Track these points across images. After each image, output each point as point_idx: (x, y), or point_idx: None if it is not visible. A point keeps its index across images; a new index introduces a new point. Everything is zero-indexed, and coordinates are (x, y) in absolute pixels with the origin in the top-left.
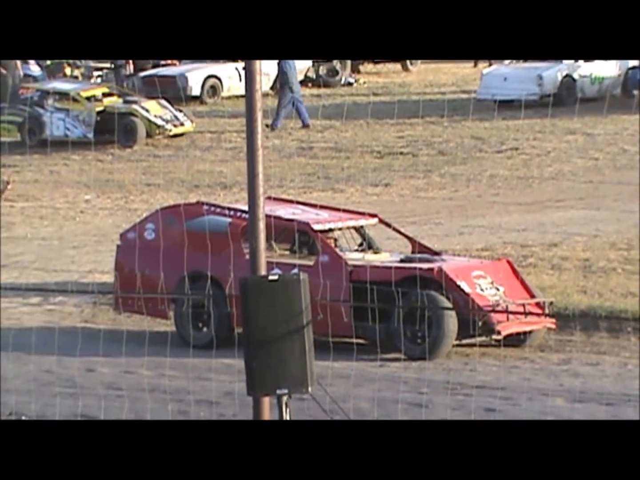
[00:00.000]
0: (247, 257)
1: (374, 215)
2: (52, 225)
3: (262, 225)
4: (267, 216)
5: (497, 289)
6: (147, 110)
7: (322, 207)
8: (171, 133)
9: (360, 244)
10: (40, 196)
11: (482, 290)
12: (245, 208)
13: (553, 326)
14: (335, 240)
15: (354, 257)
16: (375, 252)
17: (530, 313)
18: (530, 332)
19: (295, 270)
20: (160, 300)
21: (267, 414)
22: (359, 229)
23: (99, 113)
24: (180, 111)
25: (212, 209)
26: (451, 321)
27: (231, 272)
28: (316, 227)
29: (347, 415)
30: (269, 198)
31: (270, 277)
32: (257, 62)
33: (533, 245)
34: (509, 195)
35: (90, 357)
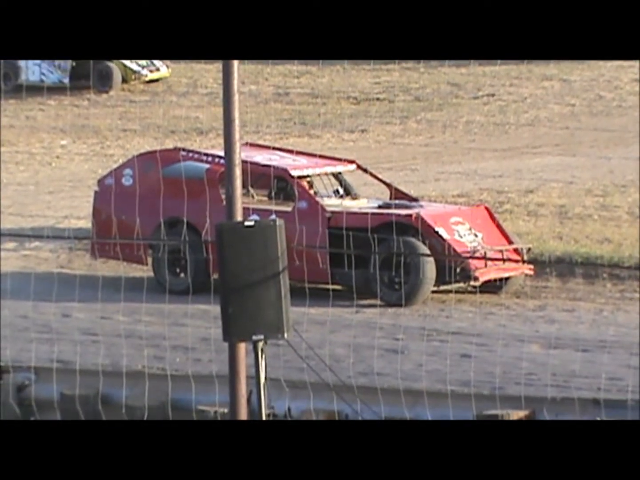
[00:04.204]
0: (225, 203)
1: (351, 162)
2: (28, 171)
3: (238, 171)
4: (245, 162)
5: (476, 235)
6: None
7: (300, 153)
8: (147, 78)
9: (338, 190)
10: (16, 141)
11: (460, 236)
12: (223, 154)
13: (531, 272)
14: (311, 185)
15: (331, 203)
16: (354, 199)
17: (509, 260)
18: (507, 278)
19: (273, 216)
20: (138, 246)
21: (243, 360)
22: (337, 175)
23: None
24: None
25: (190, 154)
26: (429, 268)
27: (208, 218)
28: (294, 172)
29: (323, 361)
30: (247, 144)
31: (247, 223)
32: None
33: (509, 192)
34: (485, 141)
35: (66, 302)
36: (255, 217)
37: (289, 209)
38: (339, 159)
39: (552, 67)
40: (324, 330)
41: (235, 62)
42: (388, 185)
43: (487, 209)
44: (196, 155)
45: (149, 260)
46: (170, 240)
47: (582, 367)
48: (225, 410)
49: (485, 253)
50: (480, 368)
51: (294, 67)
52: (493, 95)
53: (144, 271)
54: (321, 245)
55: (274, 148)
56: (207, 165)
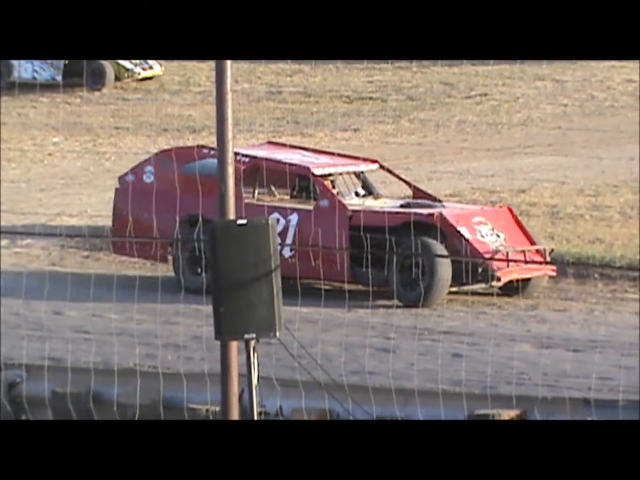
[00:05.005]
0: (247, 200)
1: (374, 161)
2: (20, 168)
3: (230, 169)
4: (267, 160)
5: (498, 236)
6: None
7: (323, 152)
8: (140, 76)
9: (360, 190)
10: (8, 139)
11: (482, 236)
12: (246, 152)
13: (553, 273)
14: (333, 184)
15: (354, 202)
16: (376, 198)
17: (531, 261)
18: (529, 279)
19: (275, 215)
20: (158, 244)
21: (235, 358)
22: (359, 174)
23: None
24: None
25: (211, 152)
26: (445, 268)
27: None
28: (316, 171)
29: (314, 360)
30: (270, 143)
31: (239, 222)
32: None
33: (501, 191)
34: (477, 141)
35: (57, 300)
36: (276, 215)
37: (311, 207)
38: (362, 158)
39: (545, 67)
40: (316, 328)
41: (228, 61)
42: (411, 185)
43: (510, 210)
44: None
45: (169, 258)
46: (188, 238)
47: (573, 366)
48: (217, 409)
49: (507, 253)
50: (471, 367)
51: (287, 66)
52: (486, 94)
53: (136, 269)
54: (343, 244)
55: (297, 147)
56: None
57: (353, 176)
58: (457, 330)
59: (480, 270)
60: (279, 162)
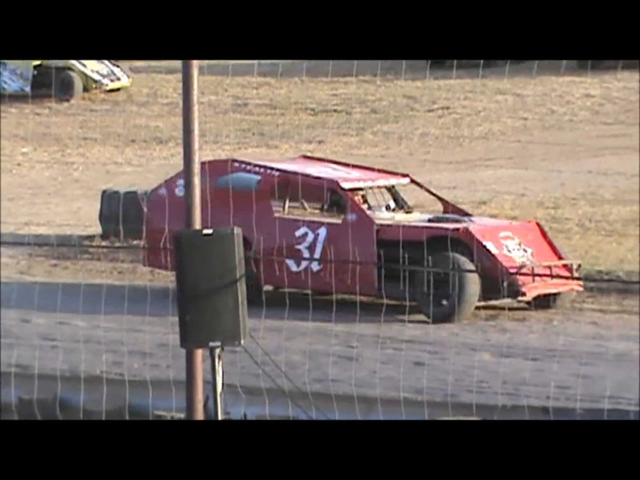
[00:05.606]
0: (276, 214)
1: (405, 175)
2: None
3: (196, 180)
4: (297, 174)
5: (525, 251)
6: (84, 65)
7: (356, 166)
8: (108, 88)
9: (390, 204)
10: None
11: (509, 251)
12: (276, 165)
13: (580, 289)
14: (364, 198)
15: (383, 216)
16: (407, 212)
17: (557, 276)
18: (557, 294)
19: (302, 229)
20: None
21: (200, 366)
22: (390, 189)
23: (36, 67)
24: (117, 66)
25: (242, 165)
26: (472, 284)
27: (262, 229)
28: (345, 185)
29: (278, 367)
30: (302, 157)
31: (205, 232)
32: None
33: (463, 203)
34: (439, 153)
35: (25, 308)
36: (304, 229)
37: (339, 221)
38: (393, 173)
39: (506, 82)
40: (280, 337)
41: (195, 73)
42: (441, 199)
43: (538, 224)
44: (249, 167)
45: None
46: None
47: (532, 375)
48: (182, 416)
49: (532, 268)
50: (433, 376)
51: (253, 78)
52: (448, 108)
53: (103, 278)
54: (369, 258)
55: (331, 161)
56: (258, 177)
57: (385, 190)
58: (418, 339)
59: (505, 284)
60: (308, 176)
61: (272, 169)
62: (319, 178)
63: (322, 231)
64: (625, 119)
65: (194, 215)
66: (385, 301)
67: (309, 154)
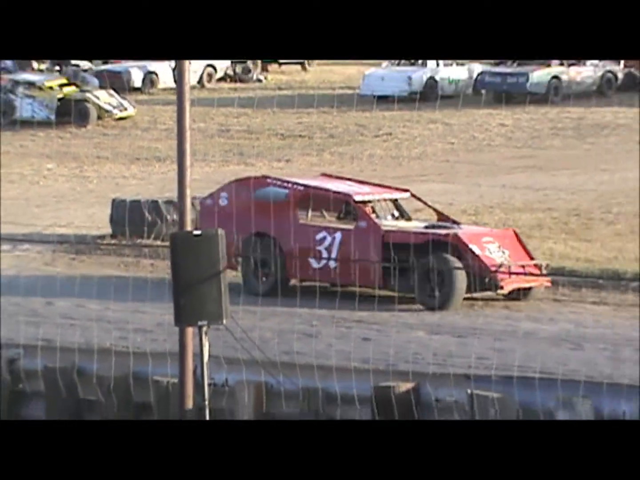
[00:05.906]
0: (301, 221)
1: (406, 190)
2: (20, 188)
3: (188, 191)
4: (317, 189)
5: (503, 252)
6: (98, 98)
7: (366, 182)
8: (117, 117)
9: (394, 214)
10: (11, 164)
11: (490, 252)
12: (301, 181)
13: (549, 284)
14: (373, 209)
15: (388, 223)
16: (407, 220)
17: (530, 274)
18: (529, 288)
19: (321, 234)
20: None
21: (190, 341)
22: (394, 201)
23: (59, 99)
24: (125, 99)
25: (274, 181)
26: (460, 279)
27: (289, 233)
28: (357, 198)
29: (253, 342)
30: (323, 175)
31: (195, 232)
32: (186, 61)
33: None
34: (383, 170)
35: (49, 293)
36: (323, 233)
37: (352, 227)
38: (396, 188)
39: (437, 113)
40: (255, 318)
41: (187, 105)
42: (435, 210)
43: (514, 231)
44: (279, 182)
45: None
46: (252, 253)
47: (457, 348)
48: (176, 380)
49: (509, 267)
50: (377, 349)
51: (234, 109)
52: (390, 134)
53: (112, 270)
54: (376, 257)
55: (346, 178)
56: (287, 191)
57: (390, 202)
58: (366, 319)
59: (487, 280)
60: (327, 190)
61: (297, 184)
62: (336, 192)
63: (338, 235)
64: (532, 144)
65: (185, 219)
66: (377, 292)
67: (327, 172)
